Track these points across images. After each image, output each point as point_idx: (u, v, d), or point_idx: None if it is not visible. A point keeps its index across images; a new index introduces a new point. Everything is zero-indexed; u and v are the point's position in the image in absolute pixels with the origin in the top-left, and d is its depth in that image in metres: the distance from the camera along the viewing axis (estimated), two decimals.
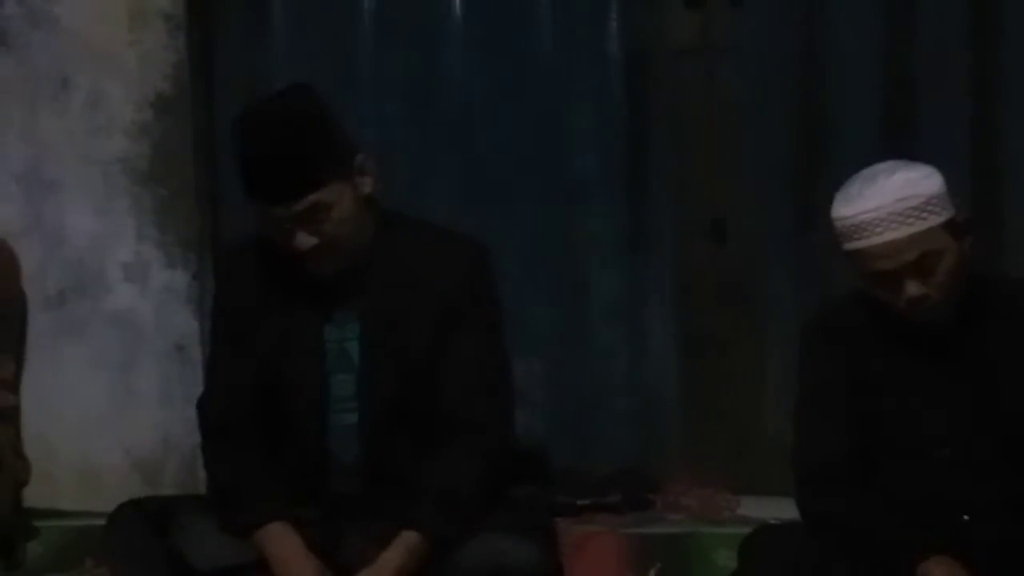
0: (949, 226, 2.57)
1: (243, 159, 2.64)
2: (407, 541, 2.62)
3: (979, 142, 3.67)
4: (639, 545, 3.49)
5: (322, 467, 2.73)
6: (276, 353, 2.72)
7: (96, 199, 3.82)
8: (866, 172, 2.61)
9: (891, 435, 2.66)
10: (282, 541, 2.65)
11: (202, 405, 2.82)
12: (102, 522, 2.76)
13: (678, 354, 3.86)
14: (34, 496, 3.41)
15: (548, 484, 3.53)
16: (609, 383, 3.87)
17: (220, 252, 2.81)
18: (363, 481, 2.73)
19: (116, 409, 3.85)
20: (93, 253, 3.85)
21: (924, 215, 2.54)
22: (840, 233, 2.59)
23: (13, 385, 3.22)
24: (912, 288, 2.55)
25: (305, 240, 2.62)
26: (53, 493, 3.72)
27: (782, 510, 2.79)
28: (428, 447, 2.69)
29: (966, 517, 2.61)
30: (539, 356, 3.89)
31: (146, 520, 2.68)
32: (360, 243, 2.70)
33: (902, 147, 3.52)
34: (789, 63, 3.73)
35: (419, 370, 2.70)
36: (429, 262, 2.72)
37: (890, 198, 2.54)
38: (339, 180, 2.64)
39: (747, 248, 3.84)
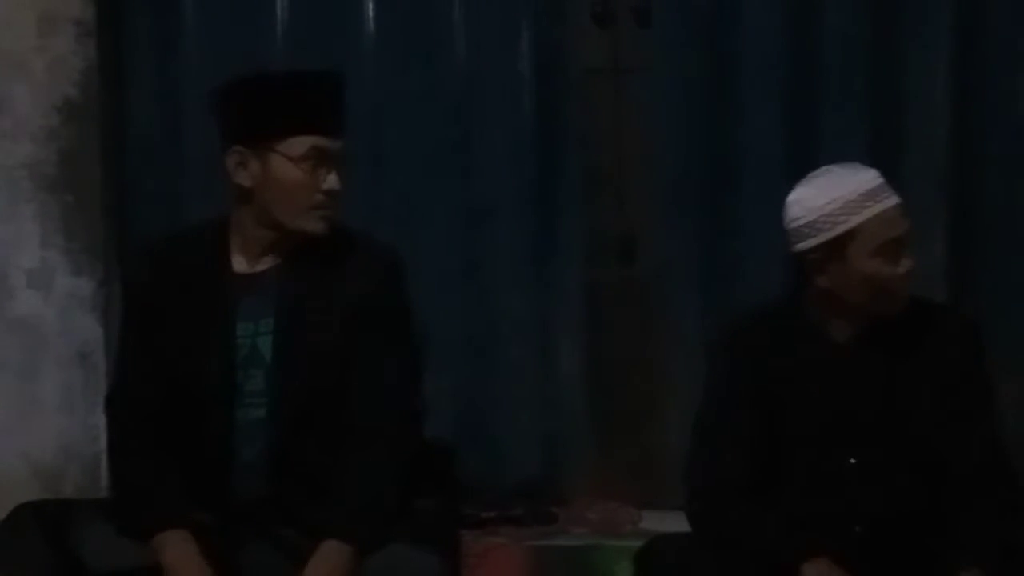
0: None
1: (293, 83, 2.70)
2: (334, 552, 2.58)
3: (880, 159, 3.72)
4: (541, 558, 3.52)
5: (225, 464, 2.71)
6: (187, 349, 2.70)
7: (1, 204, 3.79)
8: (822, 170, 2.69)
9: (797, 444, 2.68)
10: (178, 548, 2.62)
11: (111, 400, 2.80)
12: None
13: (585, 370, 3.88)
14: None
15: (454, 494, 3.53)
16: (516, 398, 3.88)
17: (130, 252, 2.78)
18: (267, 480, 2.70)
19: (17, 416, 3.81)
20: None
21: None
22: (844, 210, 2.59)
23: None
24: (908, 261, 2.61)
25: (336, 181, 2.69)
26: None
27: (684, 524, 2.81)
28: (333, 450, 2.68)
29: (858, 529, 2.65)
30: (448, 370, 3.89)
31: (43, 523, 2.65)
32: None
33: (806, 166, 3.56)
34: (697, 82, 3.77)
35: (329, 370, 2.69)
36: (346, 264, 2.71)
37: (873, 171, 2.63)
38: None
39: (655, 267, 3.87)
